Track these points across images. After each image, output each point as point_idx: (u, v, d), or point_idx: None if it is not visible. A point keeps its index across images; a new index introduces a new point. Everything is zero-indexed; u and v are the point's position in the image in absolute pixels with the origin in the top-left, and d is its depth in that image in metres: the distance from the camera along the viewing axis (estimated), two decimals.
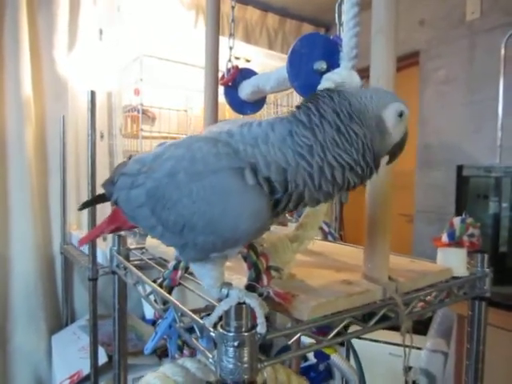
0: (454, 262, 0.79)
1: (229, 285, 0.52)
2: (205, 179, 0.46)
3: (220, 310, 0.47)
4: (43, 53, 2.27)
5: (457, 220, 0.82)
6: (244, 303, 0.47)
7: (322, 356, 1.02)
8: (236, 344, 0.46)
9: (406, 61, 2.73)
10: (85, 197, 1.86)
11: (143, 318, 2.27)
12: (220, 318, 0.48)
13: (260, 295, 0.53)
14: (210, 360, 0.49)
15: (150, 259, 0.98)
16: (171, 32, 2.29)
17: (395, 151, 0.53)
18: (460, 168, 1.72)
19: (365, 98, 0.49)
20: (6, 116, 2.15)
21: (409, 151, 2.73)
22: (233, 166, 0.46)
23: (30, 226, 2.19)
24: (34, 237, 2.20)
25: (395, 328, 0.65)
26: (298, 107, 0.50)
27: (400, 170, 2.85)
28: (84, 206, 0.73)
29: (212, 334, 0.48)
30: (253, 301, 0.47)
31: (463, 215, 0.83)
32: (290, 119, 0.49)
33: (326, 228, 1.31)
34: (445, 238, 0.82)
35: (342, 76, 0.70)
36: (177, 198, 0.48)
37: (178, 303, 0.59)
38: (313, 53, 0.74)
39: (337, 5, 0.77)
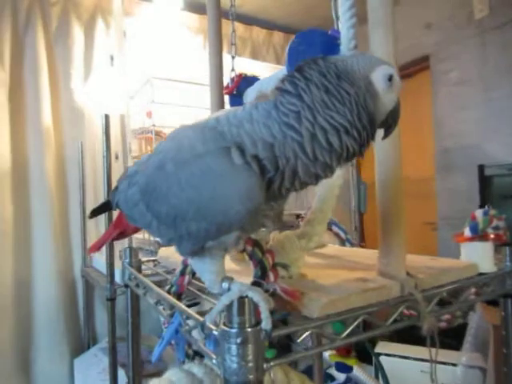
0: (479, 257, 0.74)
1: (230, 279, 0.49)
2: (191, 165, 0.45)
3: (221, 304, 0.44)
4: (61, 83, 2.38)
5: (479, 212, 0.78)
6: (247, 297, 0.45)
7: (344, 367, 0.96)
8: (239, 341, 0.43)
9: (417, 66, 2.70)
10: (103, 219, 1.89)
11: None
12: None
13: (266, 292, 0.50)
14: (214, 361, 0.46)
15: (165, 272, 0.97)
16: (180, 54, 2.35)
17: (389, 122, 0.50)
18: (481, 168, 1.65)
19: (351, 61, 0.47)
20: (27, 144, 2.24)
21: (426, 157, 2.69)
22: (218, 147, 0.44)
23: (52, 251, 2.24)
24: (55, 261, 2.24)
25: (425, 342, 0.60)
26: (282, 79, 0.48)
27: (418, 178, 2.79)
28: (93, 213, 0.73)
29: (214, 331, 0.46)
30: (256, 294, 0.44)
31: (486, 207, 0.78)
32: (274, 93, 0.47)
33: (342, 235, 1.27)
34: (467, 231, 0.77)
35: None
36: (166, 189, 0.46)
37: (183, 306, 0.57)
38: (310, 48, 0.73)
39: (332, 0, 0.76)
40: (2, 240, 2.10)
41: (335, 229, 1.30)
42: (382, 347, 1.72)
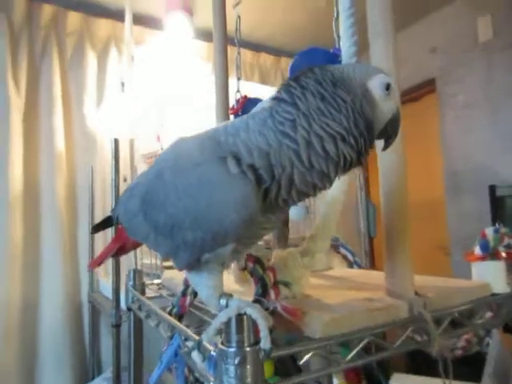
0: (491, 276, 0.71)
1: (229, 295, 0.48)
2: (188, 174, 0.44)
3: (218, 321, 0.42)
4: (74, 109, 2.45)
5: (489, 230, 0.75)
6: (245, 314, 0.43)
7: None
8: (237, 361, 0.41)
9: (423, 89, 2.72)
10: None
11: None
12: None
13: (266, 310, 0.49)
14: (211, 383, 0.44)
15: (169, 295, 0.95)
16: (190, 80, 2.41)
17: (389, 132, 0.49)
18: (493, 189, 1.62)
19: (347, 69, 0.47)
20: (39, 167, 2.30)
21: (436, 180, 2.65)
22: (214, 157, 0.44)
23: (60, 275, 2.24)
24: (63, 285, 2.24)
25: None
26: (279, 89, 0.48)
27: (429, 201, 2.75)
28: (95, 228, 0.73)
29: (212, 352, 0.44)
30: (254, 311, 0.43)
31: (496, 225, 0.76)
32: (270, 103, 0.47)
33: (350, 257, 1.25)
34: (478, 250, 0.74)
35: None
36: (164, 198, 0.46)
37: (182, 326, 0.55)
38: (313, 65, 0.73)
39: (333, 20, 0.78)
40: (11, 263, 2.11)
41: (343, 251, 1.28)
42: (396, 380, 1.64)
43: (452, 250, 2.54)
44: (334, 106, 0.44)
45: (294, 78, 0.47)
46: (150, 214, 0.49)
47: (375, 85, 0.46)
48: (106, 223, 0.70)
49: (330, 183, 0.46)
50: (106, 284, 2.15)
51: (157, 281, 1.07)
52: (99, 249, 2.35)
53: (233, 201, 0.42)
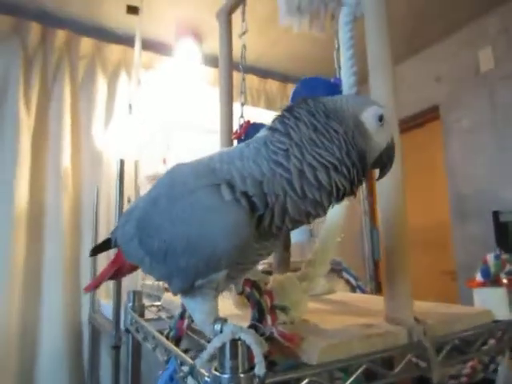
0: (492, 303, 0.70)
1: (223, 320, 0.48)
2: (182, 200, 0.45)
3: (212, 347, 0.42)
4: (82, 130, 2.50)
5: (490, 256, 0.75)
6: (240, 340, 0.43)
7: None
8: None
9: (427, 115, 2.75)
10: None
11: None
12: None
13: (261, 335, 0.48)
14: None
15: (168, 318, 0.94)
16: (196, 105, 2.46)
17: (384, 161, 0.50)
18: (496, 214, 1.61)
19: (340, 101, 0.48)
20: (45, 187, 2.32)
21: (440, 205, 2.65)
22: (209, 184, 0.45)
23: (61, 295, 2.22)
24: (63, 304, 2.22)
25: None
26: (273, 119, 0.49)
27: (434, 226, 2.73)
28: (94, 251, 0.73)
29: (206, 378, 0.43)
30: (248, 337, 0.42)
31: (496, 251, 0.75)
32: (265, 132, 0.48)
33: (353, 281, 1.24)
34: (479, 276, 0.73)
35: None
36: (158, 224, 0.47)
37: (177, 350, 0.55)
38: (313, 93, 0.75)
39: (334, 52, 0.80)
40: (12, 282, 2.09)
41: (346, 275, 1.27)
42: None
43: (459, 275, 2.51)
44: (327, 136, 0.45)
45: (288, 109, 0.48)
46: (144, 239, 0.50)
47: (368, 116, 0.47)
48: (104, 246, 0.71)
49: (324, 211, 0.47)
50: (106, 305, 2.14)
51: (157, 303, 1.06)
52: (101, 268, 2.34)
53: (225, 227, 0.42)
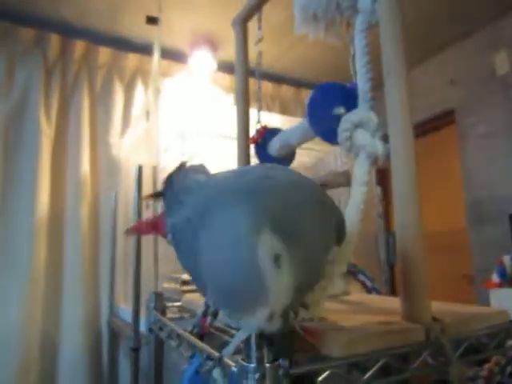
0: (509, 303, 0.71)
1: None
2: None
3: (238, 338, 0.45)
4: (100, 138, 2.57)
5: (507, 258, 0.76)
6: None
7: None
8: (257, 376, 0.43)
9: (442, 120, 2.74)
10: (131, 270, 1.94)
11: None
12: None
13: None
14: None
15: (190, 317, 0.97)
16: (211, 111, 2.51)
17: None
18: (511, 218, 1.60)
19: None
20: (65, 193, 2.39)
21: (457, 209, 2.63)
22: None
23: (80, 299, 2.28)
24: (83, 308, 2.27)
25: None
26: None
27: (451, 230, 2.71)
28: (150, 196, 0.78)
29: (233, 368, 0.46)
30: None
31: None
32: None
33: (369, 284, 1.25)
34: (495, 277, 0.74)
35: (359, 116, 0.72)
36: (188, 246, 0.47)
37: (203, 345, 0.58)
38: (330, 100, 0.78)
39: (350, 58, 0.82)
40: (32, 287, 2.15)
41: (361, 277, 1.28)
42: None
43: (476, 278, 2.48)
44: None
45: None
46: (177, 250, 0.52)
47: None
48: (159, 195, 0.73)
49: None
50: (124, 309, 2.18)
51: (177, 303, 1.09)
52: (120, 273, 2.39)
53: None
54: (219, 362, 0.48)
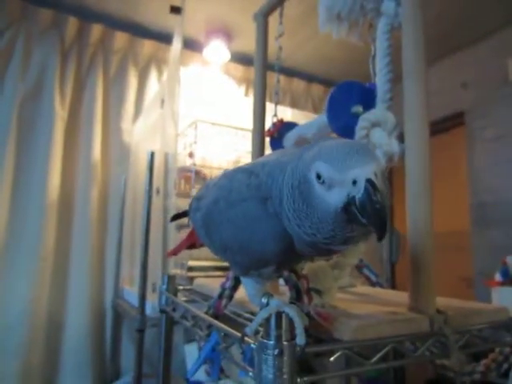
0: (509, 301, 0.74)
1: (270, 295, 0.54)
2: (237, 207, 0.53)
3: (260, 317, 0.49)
4: (112, 123, 2.60)
5: (510, 258, 0.79)
6: (284, 313, 0.49)
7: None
8: (276, 352, 0.46)
9: (451, 121, 2.75)
10: (138, 253, 1.97)
11: (187, 381, 2.20)
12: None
13: None
14: (250, 374, 0.50)
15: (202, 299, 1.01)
16: (224, 101, 2.53)
17: (363, 222, 0.45)
18: None
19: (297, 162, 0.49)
20: (76, 177, 2.42)
21: (461, 210, 2.65)
22: (257, 196, 0.51)
23: (86, 279, 2.32)
24: (88, 288, 2.32)
25: None
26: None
27: (453, 231, 2.72)
28: (174, 218, 0.84)
29: (252, 344, 0.50)
30: (291, 310, 0.49)
31: None
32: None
33: (373, 278, 1.28)
34: (498, 276, 0.78)
35: (377, 116, 0.75)
36: (219, 223, 0.55)
37: (221, 324, 0.61)
38: (349, 98, 0.81)
39: (370, 58, 0.85)
40: (41, 265, 2.20)
41: (366, 272, 1.31)
42: None
43: (476, 280, 2.51)
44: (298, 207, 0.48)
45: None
46: (209, 232, 0.59)
47: (311, 175, 0.46)
48: (184, 214, 0.81)
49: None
50: (130, 291, 2.23)
51: (188, 287, 1.13)
52: (126, 258, 2.43)
53: (271, 235, 0.50)
54: (242, 338, 0.52)
